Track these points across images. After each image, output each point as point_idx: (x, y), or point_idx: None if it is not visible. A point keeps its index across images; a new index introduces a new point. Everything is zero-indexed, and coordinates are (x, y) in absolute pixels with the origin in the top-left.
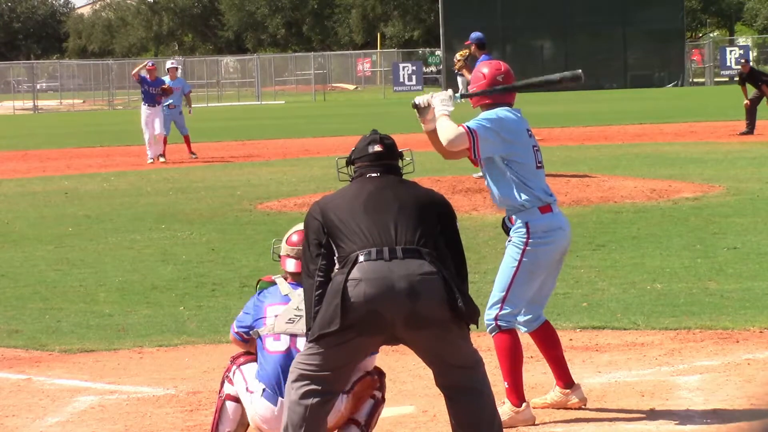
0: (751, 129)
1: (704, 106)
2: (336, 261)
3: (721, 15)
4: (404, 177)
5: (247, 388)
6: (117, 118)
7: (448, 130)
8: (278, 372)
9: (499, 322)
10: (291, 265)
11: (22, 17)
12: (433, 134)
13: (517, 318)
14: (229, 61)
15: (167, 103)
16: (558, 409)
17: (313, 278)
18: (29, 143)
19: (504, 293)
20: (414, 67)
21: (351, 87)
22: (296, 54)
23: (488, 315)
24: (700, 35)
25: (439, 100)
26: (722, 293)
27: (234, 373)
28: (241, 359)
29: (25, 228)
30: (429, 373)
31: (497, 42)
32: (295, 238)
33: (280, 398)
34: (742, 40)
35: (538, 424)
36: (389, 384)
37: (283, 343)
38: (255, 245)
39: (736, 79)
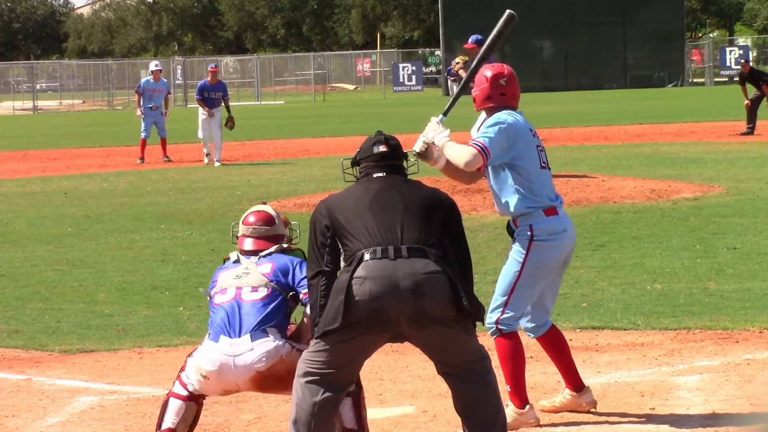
0: (751, 129)
1: (704, 106)
2: (342, 259)
3: (721, 15)
4: (409, 177)
5: (197, 351)
6: (117, 119)
7: (461, 155)
8: (224, 318)
9: (500, 326)
10: (248, 243)
11: (21, 17)
12: (447, 168)
13: (522, 324)
14: (228, 61)
15: (150, 105)
16: (566, 411)
17: (319, 275)
18: (29, 143)
19: (506, 297)
20: (414, 67)
21: (351, 87)
22: (296, 54)
23: (490, 318)
24: (700, 35)
25: (432, 133)
26: (722, 293)
27: (185, 366)
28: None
29: (25, 228)
30: (429, 373)
31: None
32: (251, 218)
33: (222, 335)
34: (741, 40)
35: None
36: (389, 384)
37: (228, 295)
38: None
39: (736, 79)
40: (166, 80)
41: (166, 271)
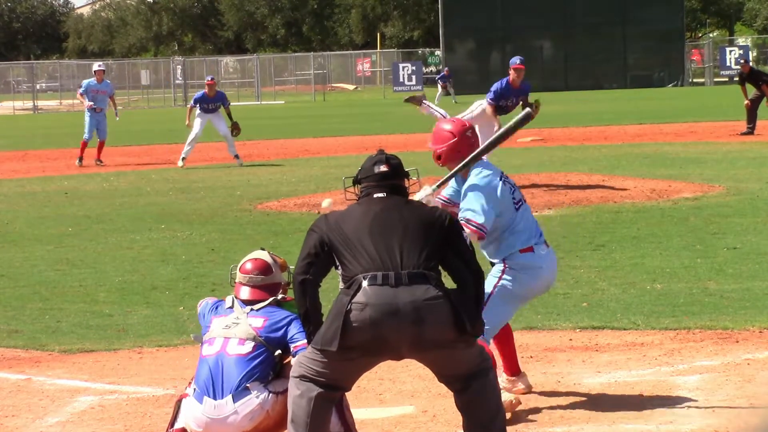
0: (751, 129)
1: (704, 106)
2: (340, 280)
3: (721, 15)
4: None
5: (186, 403)
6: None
7: None
8: (208, 373)
9: None
10: (244, 292)
11: (21, 17)
12: None
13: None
14: (228, 61)
15: (94, 107)
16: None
17: (304, 284)
18: (29, 143)
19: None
20: (414, 67)
21: (351, 87)
22: (296, 54)
23: None
24: (700, 35)
25: (426, 200)
26: (722, 293)
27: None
28: None
29: (25, 228)
30: (429, 373)
31: (497, 42)
32: (248, 266)
33: (205, 396)
34: (741, 40)
35: (535, 421)
36: (389, 384)
37: (215, 347)
38: (255, 245)
39: (736, 79)
40: (110, 82)
41: (166, 271)
